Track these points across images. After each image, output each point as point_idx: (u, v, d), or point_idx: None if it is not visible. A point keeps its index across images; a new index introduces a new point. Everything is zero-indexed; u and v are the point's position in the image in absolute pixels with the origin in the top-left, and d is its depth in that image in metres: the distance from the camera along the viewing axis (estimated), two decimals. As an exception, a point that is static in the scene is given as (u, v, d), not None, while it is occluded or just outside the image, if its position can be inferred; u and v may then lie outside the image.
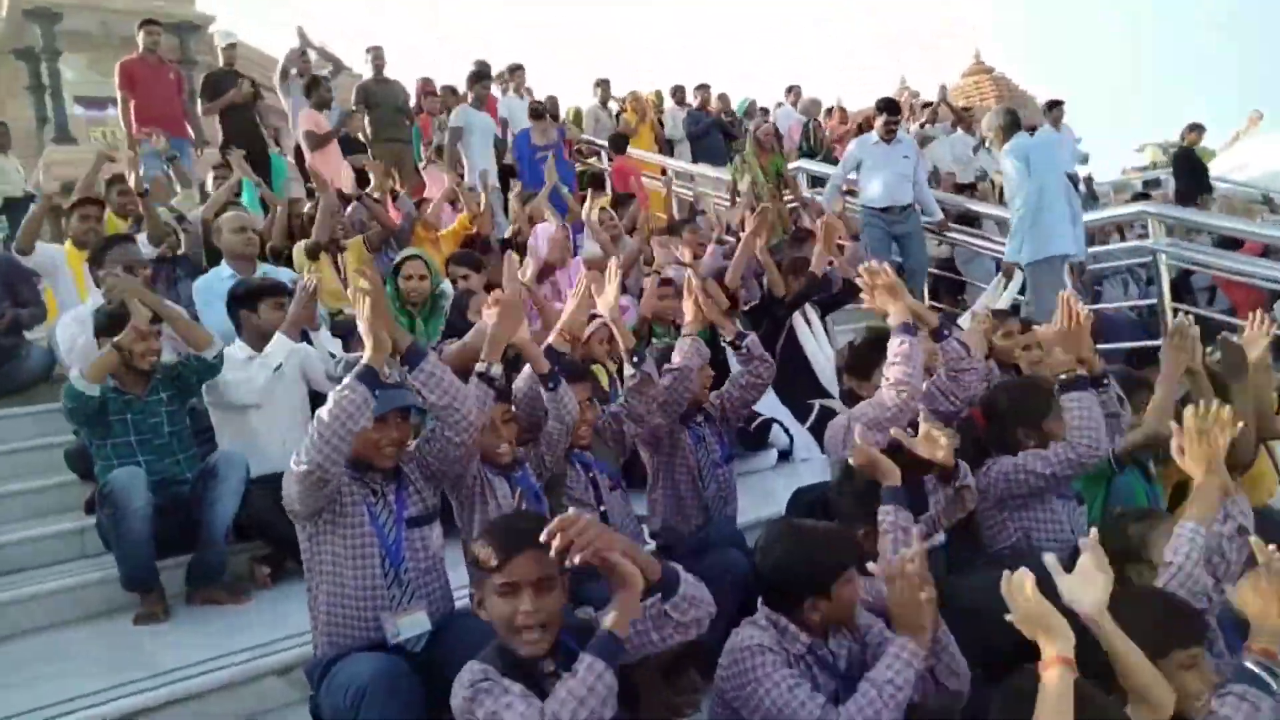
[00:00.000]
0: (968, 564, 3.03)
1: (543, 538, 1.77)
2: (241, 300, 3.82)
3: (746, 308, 5.39)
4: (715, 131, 10.98)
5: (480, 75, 8.74)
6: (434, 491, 2.59)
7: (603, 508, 3.04)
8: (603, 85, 11.34)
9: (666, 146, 11.04)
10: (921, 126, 11.29)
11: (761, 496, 4.08)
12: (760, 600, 2.23)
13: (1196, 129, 10.54)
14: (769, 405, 4.98)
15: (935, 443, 2.60)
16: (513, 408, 2.90)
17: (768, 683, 2.01)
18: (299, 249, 5.13)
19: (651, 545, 3.28)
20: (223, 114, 7.90)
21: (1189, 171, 10.24)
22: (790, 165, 8.81)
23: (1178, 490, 3.53)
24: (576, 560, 1.77)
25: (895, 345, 2.97)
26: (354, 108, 8.32)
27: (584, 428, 3.09)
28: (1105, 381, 3.07)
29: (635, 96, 11.24)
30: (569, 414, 2.89)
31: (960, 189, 9.08)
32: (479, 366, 2.64)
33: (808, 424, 5.05)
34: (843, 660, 2.20)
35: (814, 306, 5.52)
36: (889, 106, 7.17)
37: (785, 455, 4.94)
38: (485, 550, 1.90)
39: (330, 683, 2.24)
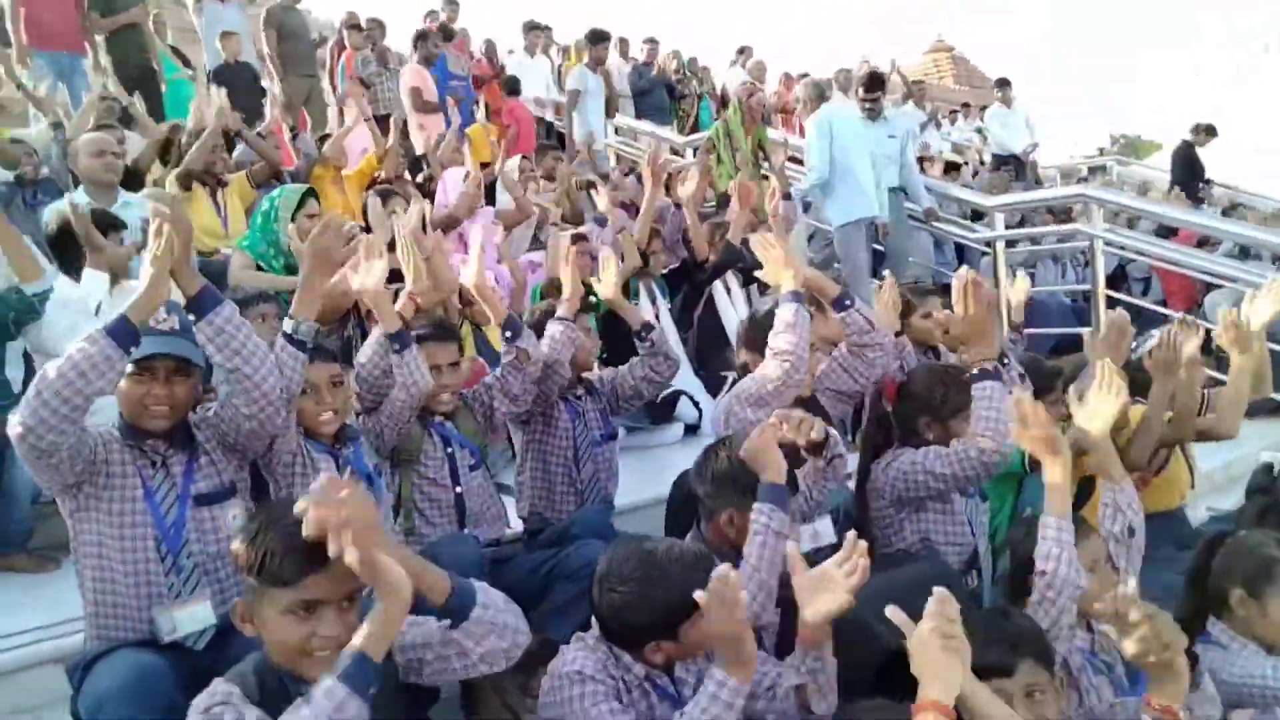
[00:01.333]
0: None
1: (295, 509, 1.45)
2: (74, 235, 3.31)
3: (665, 271, 5.05)
4: (660, 88, 10.55)
5: (599, 36, 8.25)
6: (236, 464, 2.21)
7: (459, 489, 2.70)
8: (538, 30, 10.71)
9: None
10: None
11: (659, 474, 3.77)
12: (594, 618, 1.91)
13: (1209, 130, 10.47)
14: (680, 377, 4.68)
15: (803, 425, 2.30)
16: (342, 370, 2.48)
17: (584, 718, 1.70)
18: (171, 178, 4.65)
19: (516, 531, 2.96)
20: (108, 39, 7.27)
21: (1186, 166, 10.31)
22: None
23: (1083, 488, 3.31)
24: (332, 552, 1.42)
25: (781, 313, 2.66)
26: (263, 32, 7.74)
27: (446, 394, 2.74)
28: (1005, 361, 2.80)
29: (579, 45, 10.73)
30: (417, 384, 2.52)
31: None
32: (285, 325, 2.24)
33: (720, 397, 4.75)
34: (688, 688, 1.89)
35: (736, 275, 5.21)
36: (871, 82, 6.44)
37: (693, 430, 4.65)
38: (274, 561, 1.52)
39: (85, 685, 1.88)
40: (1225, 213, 8.22)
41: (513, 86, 8.99)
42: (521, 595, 2.47)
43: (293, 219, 3.97)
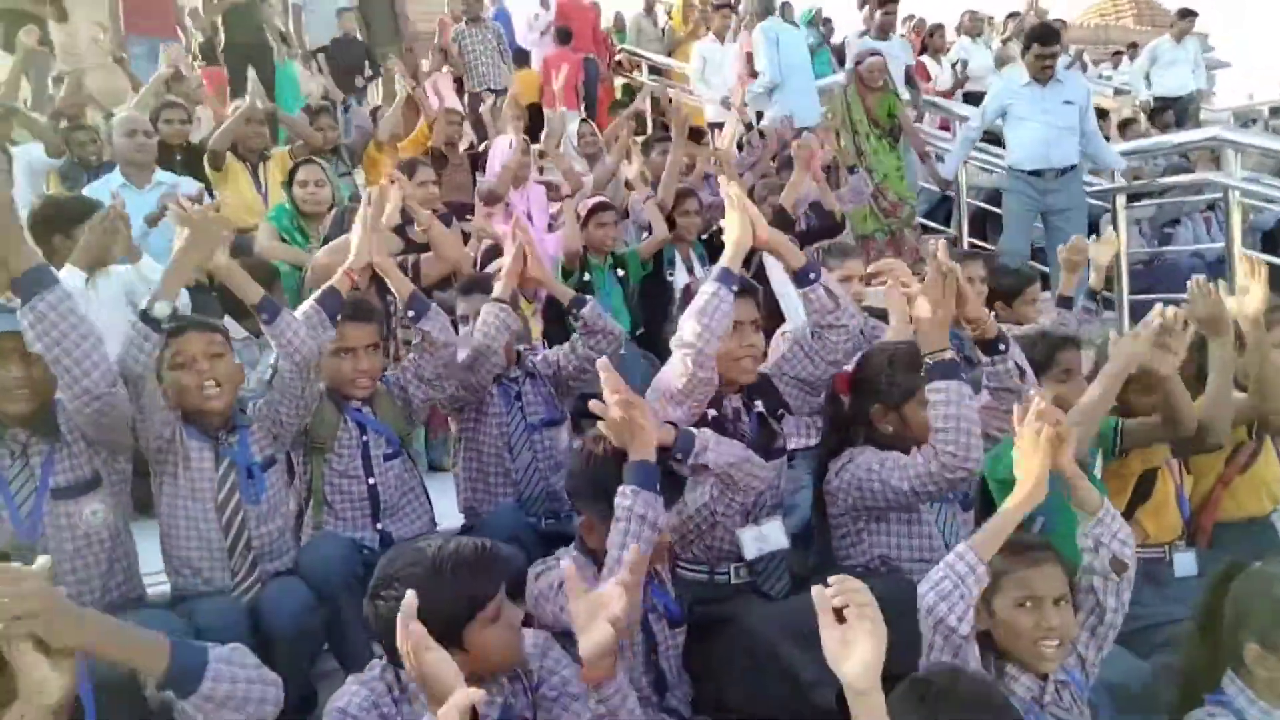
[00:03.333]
0: (812, 576, 2.40)
1: None
2: (57, 222, 3.16)
3: (704, 236, 4.69)
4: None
5: None
6: (102, 458, 2.11)
7: (372, 480, 2.52)
8: None
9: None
10: (1004, 43, 10.03)
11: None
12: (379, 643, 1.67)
13: None
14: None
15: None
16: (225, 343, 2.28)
17: None
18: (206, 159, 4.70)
19: (454, 527, 2.77)
20: (224, 14, 7.51)
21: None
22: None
23: (1140, 487, 2.75)
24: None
25: (698, 296, 2.26)
26: None
27: (364, 378, 2.55)
28: (1003, 348, 2.32)
29: (686, 2, 10.33)
30: (297, 350, 2.24)
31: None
32: (141, 303, 2.09)
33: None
34: (489, 724, 1.64)
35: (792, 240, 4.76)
36: (1043, 35, 5.27)
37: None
38: None
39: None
40: None
41: (563, 37, 8.45)
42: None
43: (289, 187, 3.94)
